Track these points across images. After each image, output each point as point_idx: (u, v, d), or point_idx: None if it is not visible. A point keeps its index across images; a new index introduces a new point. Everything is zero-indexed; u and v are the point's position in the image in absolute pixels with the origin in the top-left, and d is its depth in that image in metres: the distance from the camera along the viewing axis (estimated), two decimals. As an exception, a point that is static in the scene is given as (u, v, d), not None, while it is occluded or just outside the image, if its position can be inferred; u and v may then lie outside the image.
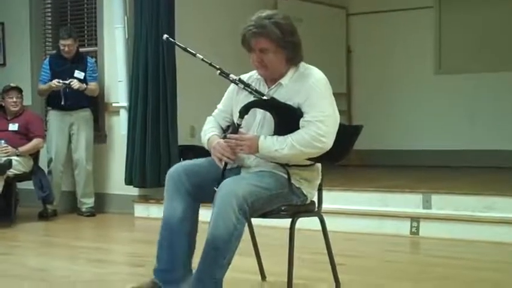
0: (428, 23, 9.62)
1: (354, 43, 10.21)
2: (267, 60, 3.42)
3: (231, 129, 3.56)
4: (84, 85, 7.23)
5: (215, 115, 3.77)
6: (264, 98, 3.46)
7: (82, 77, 7.30)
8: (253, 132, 3.46)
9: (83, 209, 7.34)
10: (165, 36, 3.92)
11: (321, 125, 3.31)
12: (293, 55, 3.46)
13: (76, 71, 7.30)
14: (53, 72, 7.37)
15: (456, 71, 9.43)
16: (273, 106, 3.42)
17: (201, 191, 3.44)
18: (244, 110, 3.40)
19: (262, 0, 8.32)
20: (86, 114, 7.40)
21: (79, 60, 7.39)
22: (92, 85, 7.36)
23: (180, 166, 3.53)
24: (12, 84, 7.17)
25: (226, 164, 3.43)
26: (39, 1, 8.32)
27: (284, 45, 3.41)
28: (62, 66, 7.33)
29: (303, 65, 3.52)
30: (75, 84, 7.15)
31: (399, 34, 9.81)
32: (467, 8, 9.40)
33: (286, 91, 3.44)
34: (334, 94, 3.48)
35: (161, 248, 3.47)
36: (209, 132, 3.64)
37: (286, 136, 3.33)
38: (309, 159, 3.43)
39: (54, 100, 7.37)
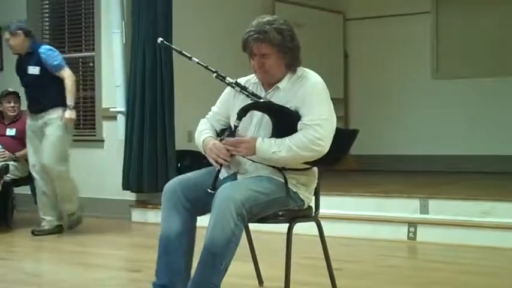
0: (425, 28, 9.63)
1: (351, 48, 10.22)
2: (268, 64, 3.43)
3: (227, 131, 3.56)
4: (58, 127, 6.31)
5: (209, 117, 3.76)
6: (262, 100, 3.47)
7: (38, 72, 6.31)
8: (250, 134, 3.46)
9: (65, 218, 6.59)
10: (160, 39, 3.92)
11: (318, 128, 3.32)
12: (293, 60, 3.48)
13: (29, 67, 6.35)
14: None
15: (454, 76, 9.44)
16: (270, 108, 3.42)
17: (199, 205, 3.44)
18: (242, 112, 3.40)
19: (260, 5, 8.35)
20: (55, 114, 6.33)
21: (30, 54, 6.38)
22: (65, 77, 6.29)
23: (177, 181, 3.52)
24: (10, 89, 7.16)
25: (221, 165, 3.44)
26: (36, 6, 8.33)
27: (285, 51, 3.43)
28: (18, 66, 6.59)
29: (300, 68, 3.53)
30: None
31: (396, 39, 9.82)
32: (464, 12, 9.42)
33: (284, 94, 3.45)
34: (332, 99, 3.48)
35: (160, 264, 3.46)
36: (203, 134, 3.64)
37: (284, 139, 3.33)
38: (306, 163, 3.43)
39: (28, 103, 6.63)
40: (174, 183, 3.51)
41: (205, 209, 3.37)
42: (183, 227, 3.43)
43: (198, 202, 3.43)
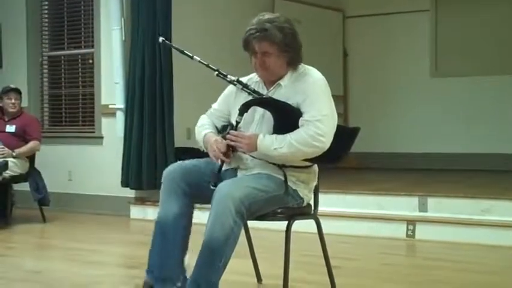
0: (424, 26, 9.64)
1: (350, 46, 10.22)
2: (269, 62, 3.44)
3: (229, 128, 3.56)
4: None
5: (209, 114, 3.77)
6: (264, 97, 3.47)
7: None
8: (252, 131, 3.47)
9: None
10: (161, 38, 3.91)
11: (319, 124, 3.32)
12: (294, 58, 3.49)
13: None
14: None
15: (452, 74, 9.45)
16: (272, 104, 3.43)
17: (197, 191, 3.45)
18: (244, 108, 3.41)
19: (260, 2, 8.34)
20: None
21: None
22: None
23: (177, 166, 3.54)
24: (12, 86, 7.15)
25: (223, 161, 3.44)
26: (36, 3, 8.32)
27: (286, 49, 3.43)
28: None
29: (301, 65, 3.54)
30: None
31: (396, 37, 9.83)
32: (463, 11, 9.42)
33: (285, 91, 3.46)
34: (331, 97, 3.48)
35: (154, 245, 3.47)
36: (204, 129, 3.64)
37: (285, 135, 3.34)
38: (308, 160, 3.44)
39: None
40: (174, 168, 3.53)
41: (203, 197, 3.39)
42: (181, 211, 3.44)
43: (197, 189, 3.45)
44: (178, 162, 3.60)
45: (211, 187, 3.33)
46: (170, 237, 3.44)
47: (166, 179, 3.50)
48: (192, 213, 3.52)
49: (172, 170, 3.52)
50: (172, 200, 3.45)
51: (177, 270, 3.45)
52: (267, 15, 3.46)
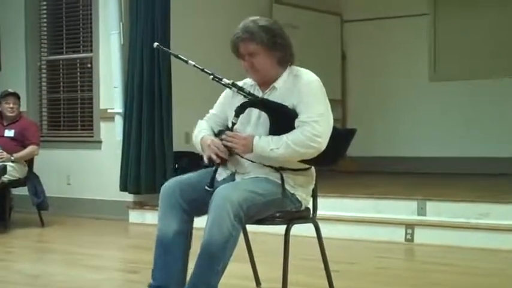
0: (423, 30, 9.64)
1: (348, 50, 10.22)
2: (257, 63, 3.44)
3: (225, 129, 3.56)
4: None
5: (207, 119, 3.76)
6: (259, 98, 3.48)
7: None
8: (248, 132, 3.46)
9: None
10: (156, 44, 3.92)
11: (316, 125, 3.32)
12: (283, 57, 3.48)
13: None
14: None
15: (451, 78, 9.44)
16: (268, 106, 3.43)
17: (196, 206, 3.43)
18: (240, 109, 3.42)
19: (258, 6, 8.35)
20: None
21: None
22: None
23: (174, 181, 3.51)
24: (10, 90, 7.16)
25: (218, 164, 3.44)
26: (35, 7, 8.33)
27: (273, 47, 3.43)
28: None
29: (295, 68, 3.53)
30: None
31: (394, 41, 9.83)
32: (462, 15, 9.42)
33: (280, 93, 3.46)
34: (329, 100, 3.48)
35: (156, 265, 3.45)
36: (201, 133, 3.64)
37: (281, 136, 3.34)
38: (305, 162, 3.44)
39: None
40: (172, 183, 3.51)
41: (202, 209, 3.36)
42: (180, 228, 3.42)
43: (196, 203, 3.42)
44: (175, 178, 3.57)
45: (207, 189, 3.33)
46: (170, 257, 3.42)
47: (164, 195, 3.48)
48: (191, 228, 3.49)
49: (171, 185, 3.49)
50: (171, 216, 3.42)
51: (179, 285, 3.43)
52: (252, 18, 3.48)
